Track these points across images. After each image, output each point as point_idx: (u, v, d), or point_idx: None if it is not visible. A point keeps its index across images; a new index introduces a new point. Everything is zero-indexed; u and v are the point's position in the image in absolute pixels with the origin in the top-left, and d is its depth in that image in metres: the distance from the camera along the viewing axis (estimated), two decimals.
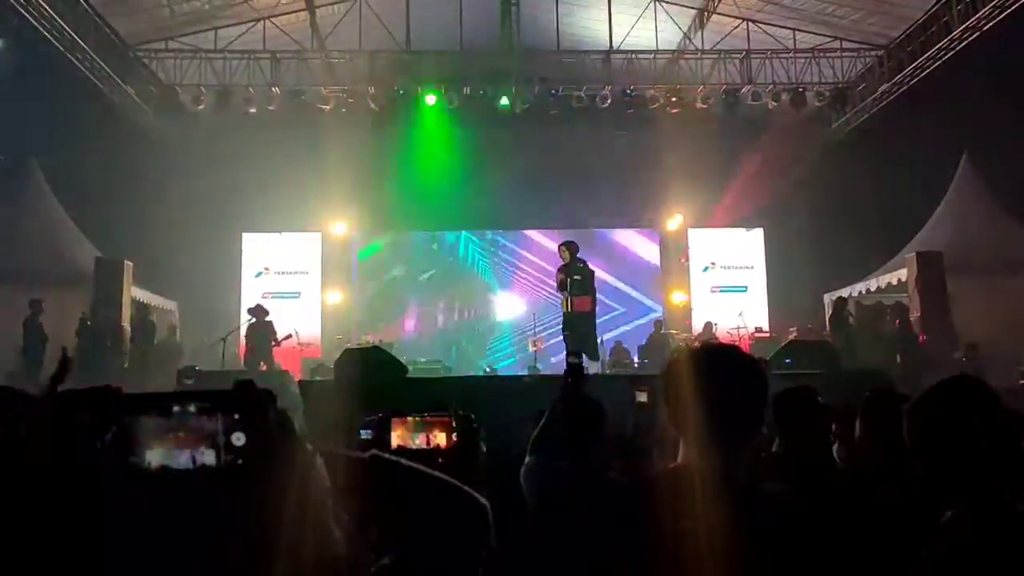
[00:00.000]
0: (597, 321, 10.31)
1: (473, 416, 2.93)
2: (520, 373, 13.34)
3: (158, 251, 14.50)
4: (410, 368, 9.23)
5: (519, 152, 16.12)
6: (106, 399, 1.08)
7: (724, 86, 15.79)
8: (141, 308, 13.86)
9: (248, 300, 16.31)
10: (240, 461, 1.11)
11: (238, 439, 1.11)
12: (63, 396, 1.10)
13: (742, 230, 17.84)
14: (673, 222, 17.80)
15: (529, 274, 17.81)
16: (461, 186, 16.22)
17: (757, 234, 17.89)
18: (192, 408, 1.12)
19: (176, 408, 1.12)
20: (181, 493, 1.09)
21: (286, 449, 1.15)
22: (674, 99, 15.70)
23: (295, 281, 17.25)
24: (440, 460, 2.45)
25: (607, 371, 12.60)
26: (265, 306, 13.40)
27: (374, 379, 6.22)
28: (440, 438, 2.51)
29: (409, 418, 2.53)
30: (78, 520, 1.08)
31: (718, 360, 1.87)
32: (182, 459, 1.11)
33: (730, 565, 1.65)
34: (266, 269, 17.28)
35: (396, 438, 2.50)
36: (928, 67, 14.38)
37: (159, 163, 14.86)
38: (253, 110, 15.25)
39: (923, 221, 15.40)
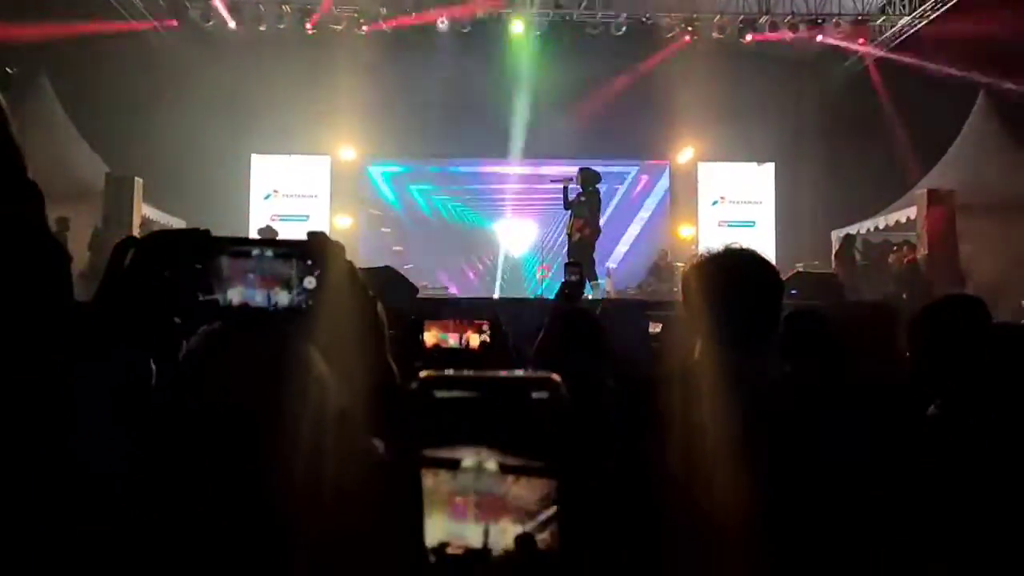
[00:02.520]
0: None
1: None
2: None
3: (167, 169, 14.48)
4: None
5: (531, 80, 15.94)
6: (199, 238, 1.18)
7: (741, 16, 15.53)
8: (145, 223, 13.89)
9: (256, 222, 16.37)
10: (311, 302, 1.21)
11: (310, 283, 1.22)
12: (161, 235, 1.20)
13: (753, 164, 17.74)
14: (684, 155, 17.66)
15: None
16: (471, 114, 16.07)
17: (768, 169, 17.78)
18: (269, 253, 1.23)
19: (255, 252, 1.22)
20: (260, 327, 1.22)
21: (352, 293, 1.29)
22: (690, 28, 15.49)
23: (304, 204, 17.27)
24: (474, 359, 2.55)
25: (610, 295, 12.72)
26: (274, 227, 13.45)
27: (387, 298, 6.28)
28: (474, 340, 2.59)
29: (446, 320, 2.62)
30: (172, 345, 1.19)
31: (737, 259, 1.94)
32: (259, 298, 1.22)
33: (742, 459, 1.71)
34: (275, 191, 17.29)
35: (430, 337, 2.59)
36: (950, 0, 14.12)
37: (168, 80, 14.75)
38: (263, 28, 15.07)
39: (937, 159, 15.27)
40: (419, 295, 8.48)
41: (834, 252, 14.38)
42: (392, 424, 1.18)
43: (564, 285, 3.79)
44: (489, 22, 15.54)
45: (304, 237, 1.24)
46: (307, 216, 17.10)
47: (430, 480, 0.84)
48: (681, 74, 15.13)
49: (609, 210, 16.93)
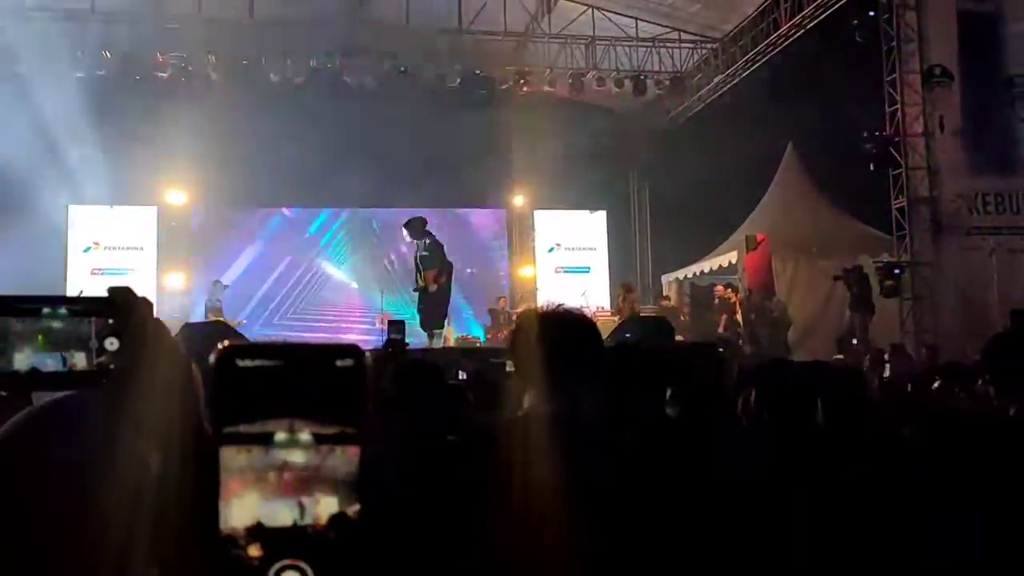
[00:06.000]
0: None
1: None
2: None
3: None
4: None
5: (366, 129, 15.89)
6: None
7: (570, 71, 16.19)
8: None
9: (75, 276, 15.43)
10: (113, 365, 1.09)
11: (111, 344, 1.09)
12: None
13: (586, 212, 18.41)
14: (519, 201, 18.13)
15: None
16: (306, 163, 15.81)
17: (600, 216, 18.50)
18: (63, 311, 1.09)
19: (45, 311, 1.09)
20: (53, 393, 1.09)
21: (162, 355, 1.16)
22: (522, 81, 15.99)
23: (128, 257, 16.39)
24: None
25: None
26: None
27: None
28: None
29: None
30: None
31: (560, 315, 2.09)
32: (51, 362, 1.08)
33: (579, 503, 1.75)
34: (95, 244, 16.34)
35: None
36: (759, 60, 15.25)
37: None
38: (81, 74, 14.34)
39: (754, 207, 16.34)
40: None
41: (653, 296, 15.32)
42: None
43: (387, 342, 3.80)
44: (323, 72, 15.42)
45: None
46: (132, 269, 16.22)
47: (240, 458, 0.79)
48: (516, 125, 15.56)
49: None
